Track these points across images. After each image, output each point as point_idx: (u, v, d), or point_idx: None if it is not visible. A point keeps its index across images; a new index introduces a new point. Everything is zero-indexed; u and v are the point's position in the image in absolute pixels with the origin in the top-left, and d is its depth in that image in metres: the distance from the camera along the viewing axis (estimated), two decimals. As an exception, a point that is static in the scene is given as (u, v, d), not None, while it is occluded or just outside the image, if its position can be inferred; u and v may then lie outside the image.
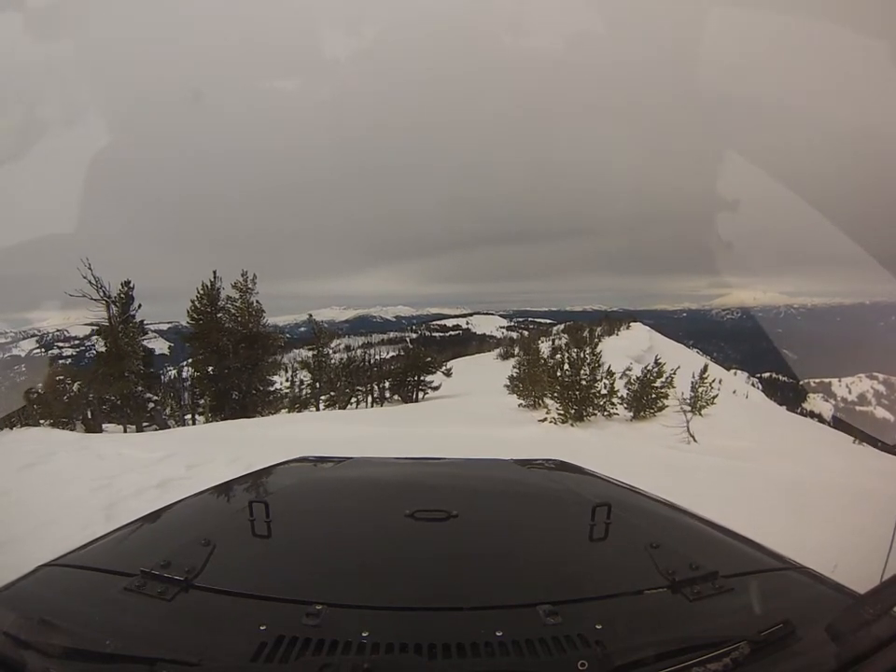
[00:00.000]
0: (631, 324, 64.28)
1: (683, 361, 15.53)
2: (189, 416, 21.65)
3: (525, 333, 74.36)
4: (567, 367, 12.90)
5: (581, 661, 0.69)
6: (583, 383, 12.54)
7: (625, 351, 26.54)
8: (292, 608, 0.83)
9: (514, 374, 23.94)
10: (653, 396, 13.65)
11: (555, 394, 12.71)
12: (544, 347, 33.15)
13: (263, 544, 1.13)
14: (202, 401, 20.14)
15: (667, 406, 13.98)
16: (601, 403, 12.58)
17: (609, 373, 12.82)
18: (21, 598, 0.92)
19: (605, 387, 12.94)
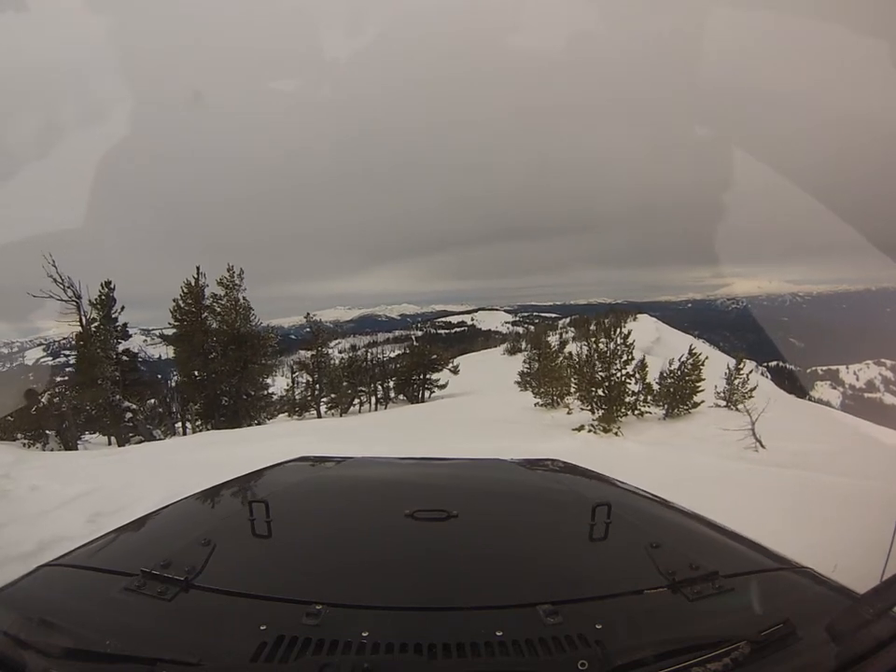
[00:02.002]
0: (637, 315, 62.80)
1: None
2: (179, 424, 20.23)
3: (531, 328, 73.09)
4: (595, 361, 11.17)
5: (581, 661, 0.69)
6: (614, 379, 10.88)
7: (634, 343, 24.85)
8: (292, 608, 0.83)
9: (525, 370, 22.52)
10: (687, 391, 12.06)
11: (582, 392, 11.05)
12: (551, 341, 31.66)
13: (263, 544, 1.11)
14: (189, 408, 18.65)
15: (703, 402, 12.48)
16: (633, 402, 10.90)
17: (643, 366, 11.17)
18: (21, 598, 0.91)
19: (634, 382, 11.25)
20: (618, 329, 10.99)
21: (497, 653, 0.72)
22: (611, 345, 11.03)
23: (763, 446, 7.58)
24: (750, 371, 13.92)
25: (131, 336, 21.32)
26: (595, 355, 11.12)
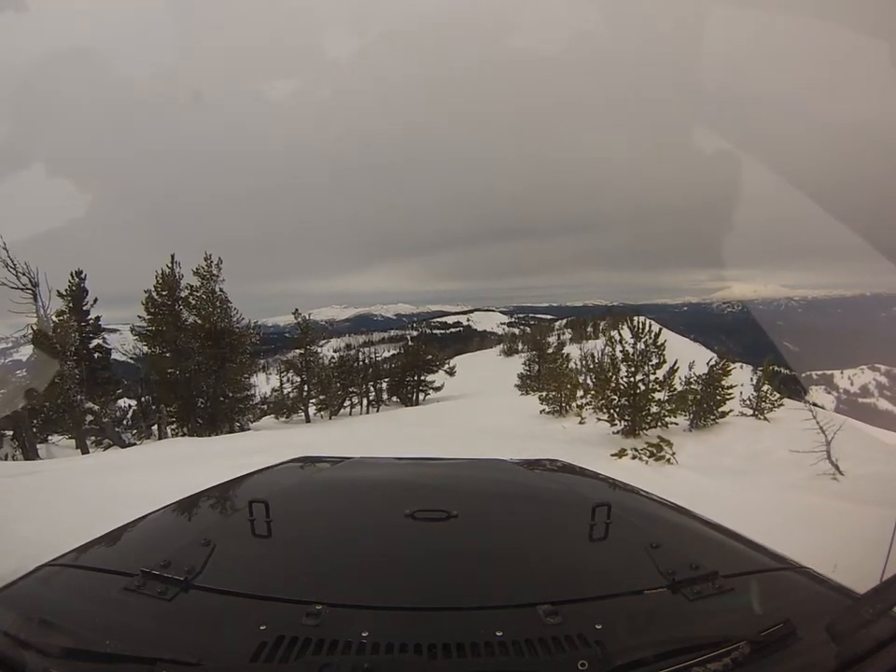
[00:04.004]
0: (635, 318, 61.84)
1: (693, 355, 12.73)
2: (156, 427, 18.69)
3: (527, 329, 72.24)
4: (619, 364, 9.69)
5: (581, 661, 0.68)
6: (641, 385, 9.45)
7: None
8: (292, 608, 0.82)
9: (525, 372, 21.17)
10: (718, 399, 10.72)
11: (602, 400, 9.59)
12: (550, 342, 30.58)
13: (263, 544, 1.11)
14: (161, 410, 17.07)
15: (731, 411, 11.20)
16: (658, 411, 9.49)
17: (673, 371, 9.78)
18: (21, 598, 0.91)
19: (660, 389, 9.83)
20: (647, 328, 9.59)
21: (496, 653, 0.72)
22: (639, 346, 9.63)
23: (840, 472, 6.18)
24: (779, 377, 12.66)
25: (103, 331, 19.81)
26: (620, 356, 9.69)
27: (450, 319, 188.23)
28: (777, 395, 12.28)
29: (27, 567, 1.10)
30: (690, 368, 12.27)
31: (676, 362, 9.84)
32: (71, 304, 17.44)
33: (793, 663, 0.72)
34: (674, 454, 6.54)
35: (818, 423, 6.58)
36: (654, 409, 9.51)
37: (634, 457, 6.57)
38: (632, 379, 9.54)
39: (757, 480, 6.03)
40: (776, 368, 14.09)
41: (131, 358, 19.93)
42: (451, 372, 27.07)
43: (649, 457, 6.53)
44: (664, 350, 9.65)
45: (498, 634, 0.75)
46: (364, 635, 0.74)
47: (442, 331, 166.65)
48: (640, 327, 9.73)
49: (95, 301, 18.11)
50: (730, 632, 0.75)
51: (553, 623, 0.78)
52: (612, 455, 6.68)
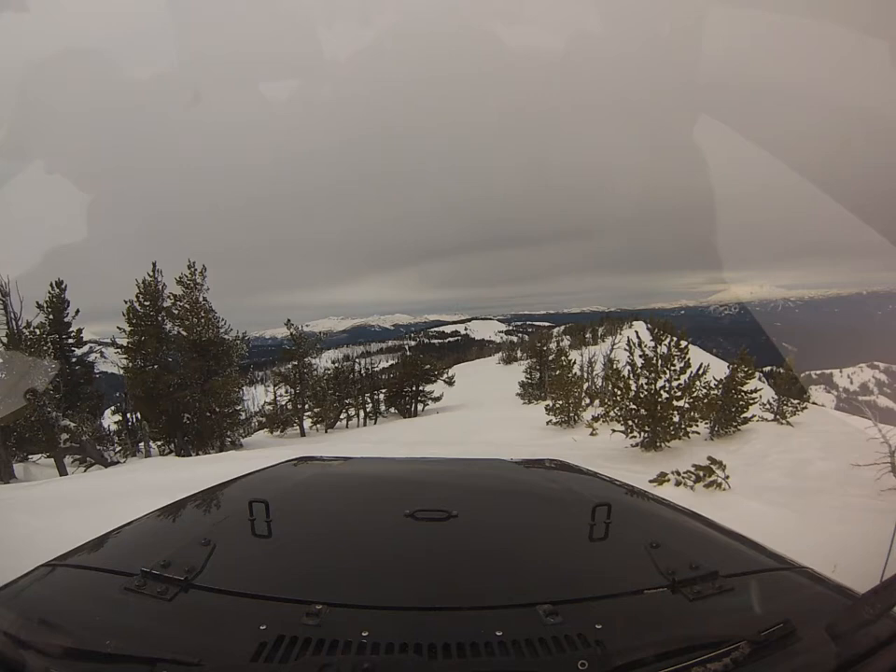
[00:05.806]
0: (633, 323, 61.72)
1: (695, 359, 11.92)
2: (143, 445, 17.78)
3: (525, 337, 71.73)
4: (640, 371, 8.81)
5: (581, 661, 0.68)
6: (663, 392, 8.61)
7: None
8: (292, 608, 0.82)
9: (527, 380, 20.34)
10: (741, 404, 9.92)
11: (623, 410, 8.73)
12: (552, 348, 29.93)
13: (263, 544, 1.10)
14: (143, 426, 16.17)
15: (754, 416, 10.44)
16: (681, 421, 8.64)
17: (698, 376, 8.91)
18: (21, 598, 0.90)
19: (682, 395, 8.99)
20: (666, 332, 8.80)
21: (496, 653, 0.71)
22: (660, 350, 8.79)
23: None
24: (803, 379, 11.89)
25: (88, 343, 18.97)
26: (640, 361, 8.83)
27: (448, 328, 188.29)
28: (798, 399, 11.59)
29: None
30: (705, 372, 11.50)
31: (701, 366, 9.02)
32: (51, 316, 16.73)
33: (793, 663, 0.72)
34: (727, 477, 5.41)
35: (880, 432, 5.75)
36: (676, 418, 8.67)
37: (678, 483, 5.47)
38: (653, 386, 8.72)
39: (821, 501, 5.13)
40: (774, 368, 13.34)
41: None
42: (450, 382, 26.28)
43: (695, 482, 5.46)
44: (687, 353, 8.82)
45: (498, 634, 0.74)
46: (364, 635, 0.73)
47: (440, 341, 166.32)
48: (661, 329, 8.93)
49: (77, 312, 17.40)
50: (730, 632, 0.74)
51: (553, 623, 0.77)
52: (651, 482, 5.56)
